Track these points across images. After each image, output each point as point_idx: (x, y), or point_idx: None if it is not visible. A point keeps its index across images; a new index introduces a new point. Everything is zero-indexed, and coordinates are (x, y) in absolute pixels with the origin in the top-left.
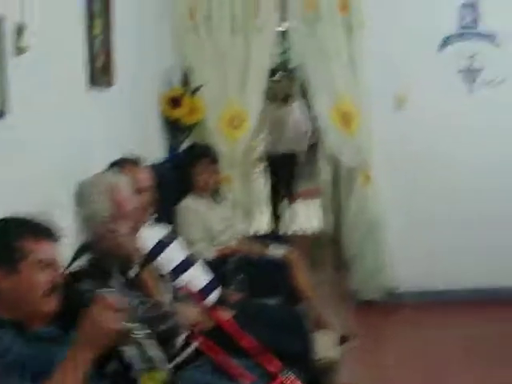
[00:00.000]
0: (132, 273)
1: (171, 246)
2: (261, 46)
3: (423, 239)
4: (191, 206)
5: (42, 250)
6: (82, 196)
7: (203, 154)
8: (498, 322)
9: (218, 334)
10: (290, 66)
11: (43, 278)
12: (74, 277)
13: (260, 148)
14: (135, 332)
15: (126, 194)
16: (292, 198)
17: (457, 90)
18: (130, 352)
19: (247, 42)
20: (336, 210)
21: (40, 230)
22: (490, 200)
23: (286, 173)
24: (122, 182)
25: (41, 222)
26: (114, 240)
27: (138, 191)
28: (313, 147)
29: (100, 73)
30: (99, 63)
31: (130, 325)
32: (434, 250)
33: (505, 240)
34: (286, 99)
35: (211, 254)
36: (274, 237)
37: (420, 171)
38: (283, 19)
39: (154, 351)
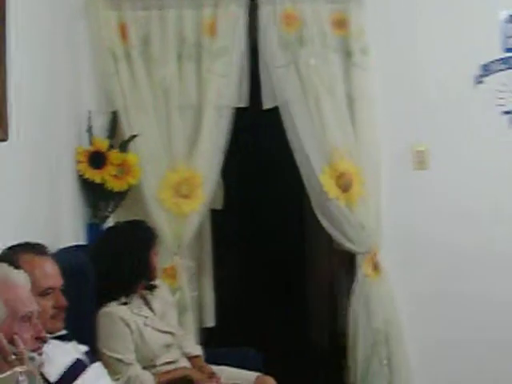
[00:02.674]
0: None
1: (89, 371)
2: (220, 77)
3: (450, 360)
4: (118, 313)
5: None
6: None
7: (154, 238)
8: None
9: None
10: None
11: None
12: None
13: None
14: None
15: (24, 291)
16: None
17: (503, 139)
18: None
19: (200, 73)
20: (331, 309)
21: None
22: None
23: None
24: (20, 277)
25: None
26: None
27: (42, 293)
28: None
29: None
30: None
31: None
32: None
33: None
34: None
35: (149, 382)
36: (241, 353)
37: (451, 259)
38: (253, 39)
39: None
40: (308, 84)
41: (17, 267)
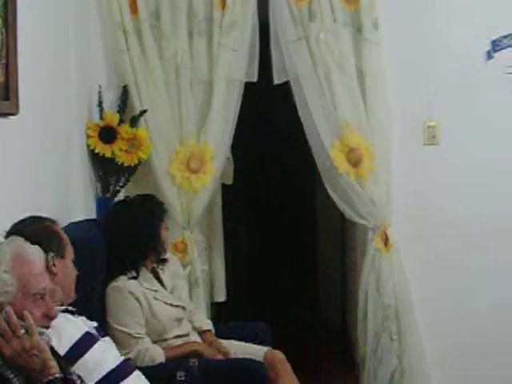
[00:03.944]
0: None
1: (98, 344)
2: (231, 51)
3: (460, 334)
4: (128, 288)
5: None
6: None
7: (164, 213)
8: None
9: None
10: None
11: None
12: None
13: None
14: None
15: (38, 267)
16: None
17: None
18: None
19: (211, 47)
20: (342, 285)
21: None
22: None
23: None
24: (35, 253)
25: None
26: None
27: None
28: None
29: None
30: None
31: None
32: (477, 352)
33: None
34: None
35: (159, 356)
36: (251, 327)
37: (461, 234)
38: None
39: None
40: (319, 59)
41: (52, 232)
